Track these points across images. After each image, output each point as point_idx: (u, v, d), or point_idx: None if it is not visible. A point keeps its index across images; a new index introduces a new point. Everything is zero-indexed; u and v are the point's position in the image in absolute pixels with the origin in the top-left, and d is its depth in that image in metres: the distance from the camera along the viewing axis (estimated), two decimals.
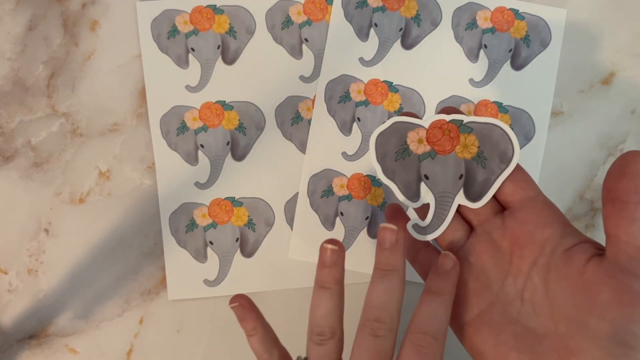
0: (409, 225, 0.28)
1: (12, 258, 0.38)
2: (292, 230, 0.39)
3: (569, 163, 0.40)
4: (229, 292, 0.38)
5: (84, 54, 0.39)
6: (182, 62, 0.39)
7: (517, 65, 0.40)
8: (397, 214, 0.30)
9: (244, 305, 0.29)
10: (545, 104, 0.39)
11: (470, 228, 0.28)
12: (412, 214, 0.35)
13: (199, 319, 0.38)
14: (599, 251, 0.24)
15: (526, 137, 0.39)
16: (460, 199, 0.27)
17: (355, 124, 0.39)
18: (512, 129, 0.39)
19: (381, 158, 0.28)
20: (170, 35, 0.39)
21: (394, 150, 0.28)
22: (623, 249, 0.23)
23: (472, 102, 0.39)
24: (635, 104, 0.40)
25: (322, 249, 0.27)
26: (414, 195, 0.28)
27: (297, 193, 0.39)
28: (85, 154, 0.38)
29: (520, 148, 0.39)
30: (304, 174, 0.39)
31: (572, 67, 0.40)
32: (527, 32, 0.40)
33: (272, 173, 0.39)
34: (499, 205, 0.28)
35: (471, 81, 0.39)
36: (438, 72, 0.39)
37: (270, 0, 0.39)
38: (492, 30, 0.40)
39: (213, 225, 0.39)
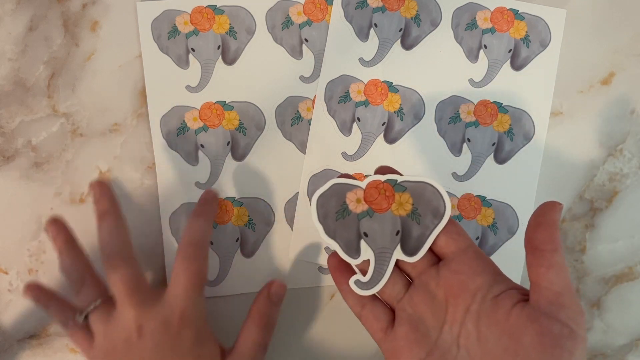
0: (351, 282, 0.29)
1: (12, 258, 0.38)
2: (292, 230, 0.39)
3: (568, 163, 0.40)
4: (229, 292, 0.38)
5: (84, 54, 0.39)
6: (183, 63, 0.39)
7: (517, 65, 0.40)
8: (342, 267, 0.31)
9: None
10: (545, 104, 0.39)
11: (409, 280, 0.30)
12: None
13: None
14: (524, 297, 0.26)
15: (526, 137, 0.39)
16: (398, 254, 0.29)
17: (355, 124, 0.39)
18: (512, 129, 0.39)
19: (323, 218, 0.29)
20: (170, 35, 0.39)
21: (334, 210, 0.29)
22: (543, 295, 0.25)
23: (472, 102, 0.39)
24: (635, 104, 0.40)
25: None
26: (355, 252, 0.29)
27: (297, 193, 0.39)
28: (86, 154, 0.39)
29: (520, 148, 0.39)
30: (304, 174, 0.39)
31: (571, 68, 0.40)
32: (526, 32, 0.40)
33: (272, 173, 0.39)
34: (435, 257, 0.30)
35: (471, 81, 0.40)
36: (438, 72, 0.39)
37: (271, 1, 0.39)
38: (491, 31, 0.40)
39: (213, 225, 0.39)
